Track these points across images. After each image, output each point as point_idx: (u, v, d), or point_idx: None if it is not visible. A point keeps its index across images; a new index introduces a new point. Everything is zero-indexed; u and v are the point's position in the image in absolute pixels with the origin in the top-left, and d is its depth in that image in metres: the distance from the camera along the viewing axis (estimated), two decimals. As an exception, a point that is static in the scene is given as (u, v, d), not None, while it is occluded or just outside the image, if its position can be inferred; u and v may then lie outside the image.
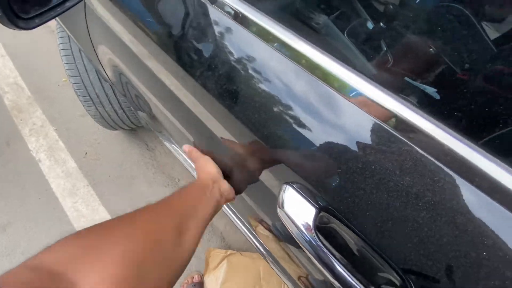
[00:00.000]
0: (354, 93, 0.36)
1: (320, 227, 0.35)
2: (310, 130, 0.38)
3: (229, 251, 1.25)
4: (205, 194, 0.48)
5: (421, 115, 0.30)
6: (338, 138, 0.35)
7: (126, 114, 1.29)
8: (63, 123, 1.63)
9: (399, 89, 0.47)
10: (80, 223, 1.35)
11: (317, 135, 0.37)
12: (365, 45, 0.56)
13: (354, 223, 0.33)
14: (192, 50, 0.50)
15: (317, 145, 0.37)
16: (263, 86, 0.42)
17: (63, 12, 0.42)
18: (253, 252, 1.26)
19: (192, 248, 0.41)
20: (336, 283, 0.34)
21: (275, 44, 0.41)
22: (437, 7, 0.49)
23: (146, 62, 0.63)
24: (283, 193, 0.38)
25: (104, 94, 1.20)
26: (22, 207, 1.38)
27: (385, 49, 0.54)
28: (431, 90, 0.45)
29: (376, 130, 0.32)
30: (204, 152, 0.63)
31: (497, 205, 0.24)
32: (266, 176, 0.47)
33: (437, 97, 0.44)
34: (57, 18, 0.97)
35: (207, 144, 0.66)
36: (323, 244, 0.35)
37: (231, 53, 0.45)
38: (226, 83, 0.45)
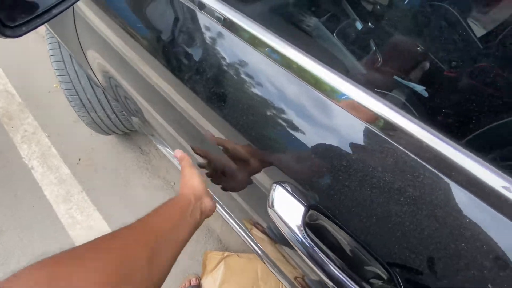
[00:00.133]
0: (343, 97, 0.37)
1: (310, 225, 0.36)
2: (297, 130, 0.38)
3: (226, 253, 1.25)
4: (185, 215, 0.45)
5: (402, 114, 0.31)
6: (323, 138, 0.36)
7: (119, 118, 1.29)
8: (55, 129, 1.62)
9: (388, 88, 0.48)
10: (75, 230, 1.34)
11: (304, 135, 0.38)
12: (354, 45, 0.57)
13: (342, 220, 0.34)
14: (180, 54, 0.51)
15: (305, 145, 0.37)
16: (250, 89, 0.43)
17: (50, 19, 0.42)
18: (250, 253, 1.26)
19: (166, 273, 0.38)
20: (328, 280, 0.34)
21: (263, 49, 0.42)
22: (424, 6, 0.50)
23: (136, 67, 0.63)
24: (272, 192, 0.38)
25: (96, 99, 1.19)
26: (15, 215, 1.36)
27: (374, 48, 0.55)
28: (419, 88, 0.46)
29: (358, 130, 0.33)
30: (198, 152, 0.62)
31: (474, 197, 0.25)
32: (258, 177, 0.48)
33: (425, 94, 0.46)
34: (46, 24, 0.97)
35: (196, 145, 0.66)
36: (313, 242, 0.36)
37: (219, 57, 0.46)
38: (214, 87, 0.46)
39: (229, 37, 0.45)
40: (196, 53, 0.49)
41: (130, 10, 0.61)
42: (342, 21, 0.57)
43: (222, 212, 1.02)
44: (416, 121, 0.30)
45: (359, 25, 0.60)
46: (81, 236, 1.33)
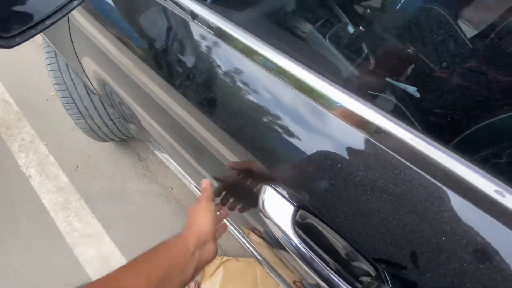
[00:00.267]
0: (336, 104, 0.37)
1: (300, 224, 0.37)
2: (287, 134, 0.39)
3: (225, 258, 1.25)
4: (183, 261, 0.43)
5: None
6: (314, 142, 0.37)
7: (115, 125, 1.30)
8: (53, 137, 1.63)
9: (380, 90, 0.49)
10: (73, 238, 1.34)
11: (294, 139, 0.39)
12: (347, 48, 0.58)
13: (330, 219, 0.34)
14: (173, 62, 0.52)
15: (296, 148, 0.38)
16: (240, 95, 0.44)
17: (44, 29, 0.43)
18: (249, 258, 1.26)
19: None
20: (318, 279, 0.35)
21: (254, 57, 0.43)
22: (416, 9, 0.51)
23: (130, 74, 0.64)
24: (263, 193, 0.39)
25: (93, 107, 1.20)
26: (13, 224, 1.36)
27: (367, 51, 0.56)
28: (411, 89, 0.47)
29: (346, 133, 0.34)
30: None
31: (452, 193, 0.26)
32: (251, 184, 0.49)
33: (417, 95, 0.46)
34: (42, 34, 0.98)
35: (192, 151, 0.67)
36: (303, 241, 0.36)
37: (210, 65, 0.47)
38: (205, 93, 0.47)
39: (221, 46, 0.46)
40: (188, 61, 0.50)
41: (124, 19, 0.62)
42: (335, 26, 0.58)
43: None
44: (401, 123, 0.31)
45: (351, 29, 0.61)
46: (79, 244, 1.32)
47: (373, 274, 0.32)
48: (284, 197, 0.38)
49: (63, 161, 1.54)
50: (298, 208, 0.37)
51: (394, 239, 0.28)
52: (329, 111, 0.36)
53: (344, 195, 0.32)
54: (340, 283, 0.33)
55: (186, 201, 1.46)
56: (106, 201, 1.44)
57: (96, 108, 1.21)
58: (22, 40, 0.41)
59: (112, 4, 0.62)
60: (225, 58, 0.47)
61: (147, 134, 0.99)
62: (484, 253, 0.24)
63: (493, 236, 0.24)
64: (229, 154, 0.50)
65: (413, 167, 0.28)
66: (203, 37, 0.49)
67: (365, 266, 0.33)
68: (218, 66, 0.47)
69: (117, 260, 1.30)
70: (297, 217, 0.37)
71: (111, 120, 1.27)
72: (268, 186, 0.40)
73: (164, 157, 1.13)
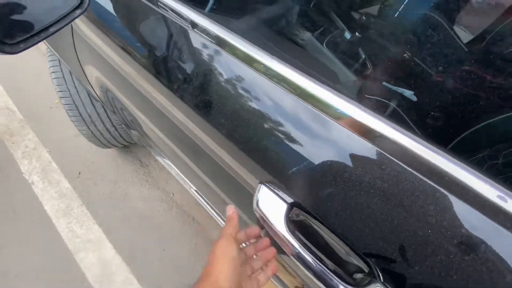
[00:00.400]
0: (338, 111, 0.37)
1: (293, 222, 0.37)
2: (285, 138, 0.40)
3: (225, 263, 1.24)
4: None
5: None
6: (306, 143, 0.38)
7: (118, 131, 1.32)
8: (56, 144, 1.65)
9: (378, 94, 0.50)
10: (75, 244, 1.34)
11: (291, 142, 0.40)
12: (344, 54, 0.59)
13: (323, 216, 0.35)
14: (173, 69, 0.54)
15: (292, 150, 0.39)
16: (238, 101, 0.45)
17: (48, 37, 0.45)
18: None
19: None
20: (313, 277, 0.35)
21: (252, 65, 0.45)
22: (411, 15, 0.52)
23: (132, 81, 0.66)
24: (257, 192, 0.40)
25: (96, 113, 1.22)
26: (14, 230, 1.37)
27: (364, 56, 0.57)
28: (408, 93, 0.48)
29: (339, 134, 0.35)
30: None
31: (436, 186, 0.26)
32: (246, 179, 0.50)
33: (414, 99, 0.47)
34: (46, 42, 1.01)
35: (192, 156, 0.68)
36: (296, 238, 0.37)
37: (209, 71, 0.49)
38: (204, 98, 0.48)
39: (220, 53, 0.48)
40: (188, 68, 0.52)
41: (126, 28, 0.64)
42: (332, 32, 0.60)
43: (220, 221, 1.02)
44: (396, 125, 0.31)
45: (347, 35, 0.63)
46: (81, 250, 1.33)
47: (366, 271, 0.33)
48: (278, 195, 0.39)
49: (65, 168, 1.56)
50: (291, 206, 0.38)
51: (388, 239, 0.29)
52: (327, 116, 0.37)
53: (334, 192, 0.33)
54: (333, 279, 0.33)
55: (187, 207, 1.47)
56: (108, 206, 1.45)
57: (99, 115, 1.23)
58: (26, 46, 0.43)
59: (114, 13, 0.64)
60: (224, 65, 0.48)
61: (149, 140, 1.01)
62: (469, 245, 0.24)
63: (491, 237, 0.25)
64: (229, 159, 0.51)
65: (407, 168, 0.28)
66: (203, 45, 0.50)
67: (358, 262, 0.34)
68: (218, 73, 0.48)
69: (118, 265, 1.30)
70: (290, 214, 0.37)
71: (114, 126, 1.29)
72: (262, 185, 0.40)
73: (166, 162, 1.15)
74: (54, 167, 1.57)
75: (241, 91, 0.45)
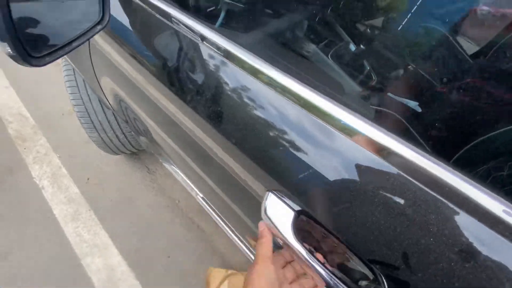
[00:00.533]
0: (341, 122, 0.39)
1: (300, 229, 0.39)
2: (291, 147, 0.42)
3: (230, 271, 1.25)
4: None
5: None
6: (311, 152, 0.40)
7: (127, 138, 1.35)
8: (66, 150, 1.69)
9: (383, 105, 0.51)
10: (82, 249, 1.36)
11: (296, 151, 0.42)
12: (349, 66, 0.61)
13: (329, 224, 0.37)
14: (184, 80, 0.56)
15: (298, 159, 0.41)
16: (245, 111, 0.47)
17: (71, 51, 0.48)
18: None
19: None
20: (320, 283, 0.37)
21: (257, 76, 0.47)
22: (415, 27, 0.53)
23: (145, 91, 0.69)
24: (265, 200, 0.42)
25: (107, 121, 1.26)
26: (23, 234, 1.40)
27: (368, 68, 0.59)
28: (413, 104, 0.49)
29: (343, 145, 0.37)
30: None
31: (436, 196, 0.28)
32: (254, 187, 0.51)
33: (419, 110, 0.49)
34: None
35: (202, 164, 0.70)
36: (303, 245, 0.38)
37: (218, 83, 0.51)
38: (214, 107, 0.51)
39: (228, 66, 0.51)
40: (198, 79, 0.55)
41: (140, 41, 0.67)
42: (337, 44, 0.62)
43: (226, 230, 1.03)
44: (399, 138, 0.33)
45: (352, 47, 0.65)
46: (87, 255, 1.35)
47: (370, 278, 0.34)
48: (285, 203, 0.40)
49: (75, 173, 1.60)
50: (298, 213, 0.40)
51: (391, 246, 0.30)
52: (331, 127, 0.39)
53: (344, 203, 0.35)
54: (339, 286, 0.34)
55: (193, 214, 1.48)
56: (115, 212, 1.47)
57: (109, 122, 1.27)
58: (51, 60, 0.46)
59: (130, 27, 0.67)
60: (232, 76, 0.51)
61: (158, 147, 1.04)
62: (470, 253, 0.25)
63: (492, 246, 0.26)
64: (237, 166, 0.53)
65: (402, 173, 0.30)
66: (213, 58, 0.53)
67: (363, 269, 0.35)
68: (226, 84, 0.51)
69: (123, 271, 1.31)
70: (297, 222, 0.39)
71: (123, 133, 1.33)
72: (270, 193, 0.42)
73: (173, 169, 1.17)
74: (64, 172, 1.61)
75: (248, 101, 0.48)
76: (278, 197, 0.41)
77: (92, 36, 0.51)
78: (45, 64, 0.45)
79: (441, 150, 0.33)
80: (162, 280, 1.29)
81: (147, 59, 0.65)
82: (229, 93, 0.50)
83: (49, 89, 2.01)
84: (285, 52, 0.62)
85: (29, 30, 0.43)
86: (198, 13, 0.62)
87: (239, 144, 0.47)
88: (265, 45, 0.61)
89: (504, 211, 0.26)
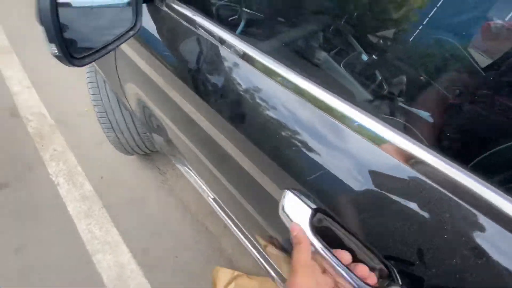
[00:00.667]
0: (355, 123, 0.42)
1: (317, 227, 0.41)
2: (305, 147, 0.45)
3: (236, 272, 1.26)
4: None
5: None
6: (326, 151, 0.42)
7: (142, 139, 1.40)
8: (82, 149, 1.75)
9: (393, 114, 0.54)
10: (93, 245, 1.40)
11: (311, 151, 0.44)
12: (360, 75, 0.64)
13: (346, 221, 0.39)
14: (206, 81, 0.60)
15: (312, 159, 0.44)
16: (264, 112, 0.51)
17: (107, 53, 0.53)
18: (261, 276, 1.27)
19: None
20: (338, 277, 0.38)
21: (274, 78, 0.50)
22: (427, 39, 0.55)
23: (167, 91, 0.73)
24: (283, 198, 0.44)
25: (124, 122, 1.31)
26: (37, 229, 1.44)
27: (380, 78, 0.62)
28: (425, 115, 0.51)
29: (350, 140, 0.40)
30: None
31: (446, 193, 0.30)
32: (270, 186, 0.54)
33: (431, 120, 0.50)
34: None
35: (218, 164, 0.73)
36: (320, 242, 0.41)
37: (239, 84, 0.55)
38: (234, 108, 0.54)
39: (246, 68, 0.54)
40: (219, 81, 0.58)
41: (163, 45, 0.71)
42: (349, 54, 0.65)
43: (234, 230, 1.06)
44: (399, 132, 0.36)
45: (364, 57, 0.67)
46: (98, 252, 1.38)
47: (385, 274, 0.36)
48: (303, 201, 0.43)
49: (90, 172, 1.65)
50: (315, 211, 0.42)
51: (402, 237, 0.32)
52: (346, 127, 0.41)
53: (360, 201, 0.37)
54: (356, 281, 0.36)
55: (201, 216, 1.51)
56: (126, 211, 1.51)
57: (127, 123, 1.32)
58: (89, 61, 0.50)
59: (154, 33, 0.72)
60: (250, 78, 0.54)
61: (173, 148, 1.07)
62: (482, 250, 0.27)
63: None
64: (255, 165, 0.55)
65: (425, 179, 0.32)
66: (232, 61, 0.57)
67: (377, 265, 0.37)
68: (246, 85, 0.54)
69: (133, 269, 1.34)
70: (314, 219, 0.41)
71: (139, 134, 1.37)
72: (288, 191, 0.45)
73: (186, 170, 1.20)
74: (79, 170, 1.66)
75: (268, 103, 0.51)
76: (296, 195, 0.44)
77: (125, 41, 0.55)
78: (84, 65, 0.49)
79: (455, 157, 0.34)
80: (170, 280, 1.31)
81: (167, 60, 0.69)
82: (249, 94, 0.53)
83: (67, 91, 2.09)
84: (298, 59, 0.65)
85: (72, 34, 0.48)
86: (220, 21, 0.66)
87: (259, 143, 0.50)
88: (281, 52, 0.64)
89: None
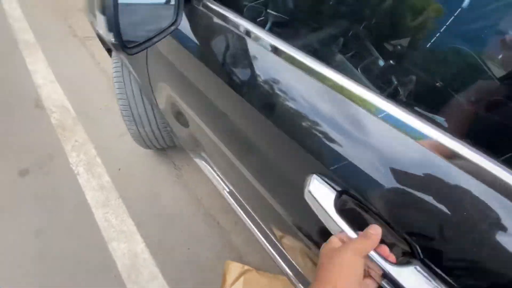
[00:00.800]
0: (382, 114, 0.46)
1: (342, 208, 0.45)
2: (325, 131, 0.49)
3: (246, 267, 1.30)
4: None
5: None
6: (354, 140, 0.47)
7: (161, 134, 1.46)
8: (102, 142, 1.82)
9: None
10: (109, 233, 1.45)
11: (333, 142, 0.49)
12: (377, 79, 0.68)
13: (370, 202, 0.43)
14: (239, 74, 0.65)
15: (340, 146, 0.48)
16: (290, 102, 0.55)
17: (152, 45, 0.58)
18: (269, 273, 1.30)
19: None
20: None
21: (304, 70, 0.55)
22: (443, 47, 0.58)
23: (198, 86, 0.78)
24: (309, 181, 0.48)
25: (146, 116, 1.37)
26: (57, 215, 1.50)
27: (396, 83, 0.65)
28: (439, 119, 0.54)
29: (377, 127, 0.44)
30: None
31: (473, 178, 0.34)
32: (296, 176, 0.58)
33: (446, 125, 0.53)
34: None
35: (242, 154, 0.77)
36: (345, 222, 0.44)
37: (269, 76, 0.59)
38: (266, 99, 0.59)
39: (275, 60, 0.59)
40: (249, 72, 0.63)
41: (198, 40, 0.76)
42: (367, 58, 0.69)
43: (247, 221, 1.09)
44: (426, 120, 0.40)
45: (381, 63, 0.71)
46: (114, 240, 1.43)
47: (408, 251, 0.40)
48: (329, 184, 0.47)
49: (108, 163, 1.71)
50: (340, 193, 0.46)
51: (423, 214, 0.36)
52: (372, 114, 0.45)
53: (386, 183, 0.41)
54: (378, 259, 0.39)
55: (214, 211, 1.55)
56: (141, 202, 1.56)
57: (148, 117, 1.38)
58: (138, 50, 0.56)
59: (190, 31, 0.77)
60: (279, 70, 0.58)
61: (195, 142, 1.12)
62: (501, 226, 0.31)
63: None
64: (280, 151, 0.59)
65: (445, 159, 0.36)
66: (263, 54, 0.61)
67: (399, 243, 0.41)
68: (275, 75, 0.58)
69: (146, 259, 1.38)
70: (339, 201, 0.45)
71: (158, 129, 1.44)
72: (315, 175, 0.49)
73: (203, 164, 1.25)
74: (98, 161, 1.72)
75: (298, 93, 0.55)
76: (322, 179, 0.48)
77: (167, 35, 0.61)
78: (134, 53, 0.55)
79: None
80: (181, 270, 1.35)
81: (200, 54, 0.74)
82: (280, 85, 0.57)
83: (90, 86, 2.18)
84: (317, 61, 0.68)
85: (125, 27, 0.53)
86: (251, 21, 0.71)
87: (288, 130, 0.55)
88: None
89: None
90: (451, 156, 0.37)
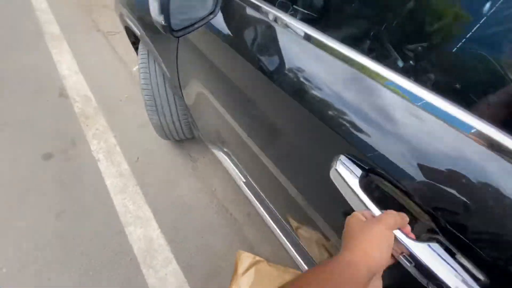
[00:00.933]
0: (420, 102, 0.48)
1: (368, 187, 0.48)
2: (357, 116, 0.53)
3: (258, 258, 1.33)
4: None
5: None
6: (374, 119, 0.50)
7: (181, 125, 1.51)
8: (122, 131, 1.88)
9: None
10: (126, 218, 1.50)
11: (360, 130, 0.52)
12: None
13: (396, 178, 0.46)
14: (273, 62, 0.69)
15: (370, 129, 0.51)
16: (321, 87, 0.58)
17: (193, 30, 0.63)
18: (280, 266, 1.33)
19: None
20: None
21: (336, 56, 0.58)
22: (465, 53, 0.55)
23: (228, 75, 0.82)
24: (336, 160, 0.52)
25: (168, 107, 1.43)
26: (78, 198, 1.57)
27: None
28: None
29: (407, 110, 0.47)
30: None
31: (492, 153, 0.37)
32: (322, 159, 0.61)
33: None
34: (147, 39, 1.23)
35: (271, 147, 0.81)
36: (370, 199, 0.48)
37: (302, 63, 0.63)
38: (298, 84, 0.62)
39: (307, 47, 0.62)
40: (283, 62, 0.66)
41: (233, 31, 0.80)
42: (387, 59, 0.72)
43: (262, 212, 1.11)
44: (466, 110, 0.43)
45: (400, 63, 0.73)
46: (131, 224, 1.48)
47: (432, 228, 0.42)
48: (355, 163, 0.50)
49: (127, 152, 1.77)
50: (367, 172, 0.49)
51: (447, 189, 0.39)
52: (400, 97, 0.49)
53: (410, 162, 0.44)
54: (400, 238, 0.42)
55: (227, 202, 1.59)
56: (158, 190, 1.61)
57: (170, 108, 1.43)
58: (182, 34, 0.61)
59: (224, 22, 0.82)
60: (312, 56, 0.61)
61: (215, 134, 1.16)
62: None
63: None
64: (306, 134, 0.62)
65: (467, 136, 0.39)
66: (295, 42, 0.65)
67: (422, 218, 0.43)
68: (309, 63, 0.61)
69: (161, 244, 1.43)
70: (365, 179, 0.48)
71: (179, 121, 1.49)
72: (342, 155, 0.52)
73: (221, 155, 1.29)
74: (117, 150, 1.79)
75: (323, 83, 0.58)
76: (349, 158, 0.51)
77: (207, 22, 0.66)
78: (179, 36, 0.60)
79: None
80: (194, 257, 1.39)
81: (234, 44, 0.78)
82: (314, 71, 0.60)
83: (112, 77, 2.26)
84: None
85: (173, 12, 0.58)
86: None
87: (320, 115, 0.58)
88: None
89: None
90: (484, 141, 0.40)
